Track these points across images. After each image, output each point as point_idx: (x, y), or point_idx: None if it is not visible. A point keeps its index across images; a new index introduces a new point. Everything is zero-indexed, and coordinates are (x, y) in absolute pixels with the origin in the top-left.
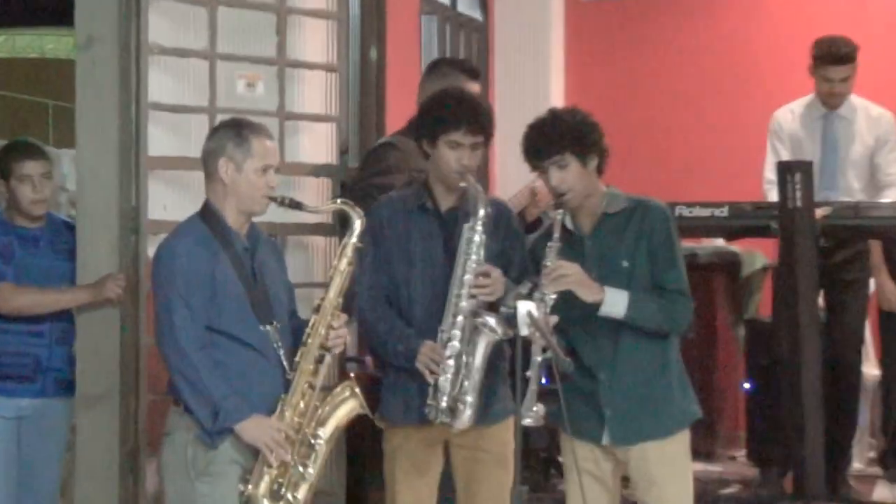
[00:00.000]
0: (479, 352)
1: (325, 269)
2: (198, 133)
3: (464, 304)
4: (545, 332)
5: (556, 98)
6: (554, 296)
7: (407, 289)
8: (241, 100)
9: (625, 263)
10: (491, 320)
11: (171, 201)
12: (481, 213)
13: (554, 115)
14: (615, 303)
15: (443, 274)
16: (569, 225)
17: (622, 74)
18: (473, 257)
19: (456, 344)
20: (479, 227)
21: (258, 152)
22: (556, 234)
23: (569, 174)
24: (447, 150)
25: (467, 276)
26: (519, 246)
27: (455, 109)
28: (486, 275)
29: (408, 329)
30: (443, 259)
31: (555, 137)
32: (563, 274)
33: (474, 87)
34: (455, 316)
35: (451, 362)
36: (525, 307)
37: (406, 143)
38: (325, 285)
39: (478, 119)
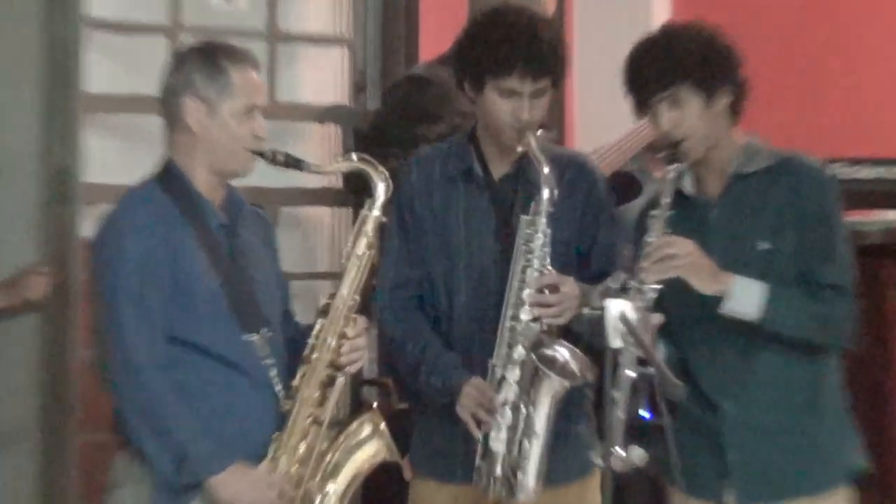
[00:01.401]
0: (541, 404)
1: (332, 253)
2: (154, 62)
3: (522, 329)
4: (645, 341)
5: (660, 16)
6: (656, 286)
7: (447, 290)
8: (216, 15)
9: (763, 245)
10: (561, 353)
11: (116, 158)
12: (545, 195)
13: (668, 33)
14: (746, 297)
15: (498, 270)
16: (686, 188)
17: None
18: (535, 262)
19: (513, 386)
20: (543, 220)
21: (240, 88)
22: (667, 200)
23: (687, 114)
24: (498, 100)
25: (527, 292)
26: (607, 222)
27: (506, 43)
28: (555, 289)
29: (447, 354)
30: (497, 249)
31: (668, 63)
32: (672, 254)
33: None
34: (511, 346)
35: (508, 412)
36: (617, 308)
37: (444, 77)
38: (336, 277)
39: (540, 56)
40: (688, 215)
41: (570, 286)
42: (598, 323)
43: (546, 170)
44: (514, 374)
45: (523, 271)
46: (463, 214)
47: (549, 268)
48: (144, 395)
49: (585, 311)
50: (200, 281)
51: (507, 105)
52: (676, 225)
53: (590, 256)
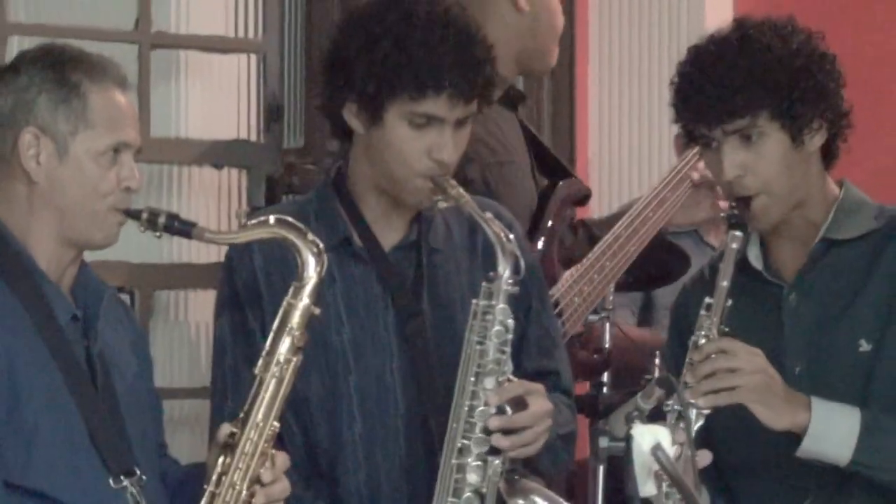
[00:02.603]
0: None
1: None
2: None
3: (473, 470)
4: (688, 488)
5: (717, 10)
6: (706, 411)
7: (328, 421)
8: (61, 6)
9: (864, 346)
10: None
11: None
12: (505, 272)
13: (743, 32)
14: (832, 433)
15: (405, 383)
16: (753, 261)
17: None
18: (492, 367)
19: None
20: (502, 305)
21: (102, 117)
22: (724, 283)
23: (764, 157)
24: (408, 132)
25: (481, 409)
26: (537, 302)
27: (431, 49)
28: (522, 405)
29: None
30: (400, 351)
31: (742, 80)
32: (732, 369)
33: None
34: (458, 494)
35: None
36: (648, 438)
37: None
38: (217, 398)
39: (477, 67)
40: (753, 300)
41: (541, 400)
42: (620, 458)
43: (504, 236)
44: None
45: (476, 382)
46: (345, 307)
47: (512, 376)
48: None
49: (603, 443)
50: (48, 402)
51: (421, 139)
52: (736, 316)
53: (519, 352)
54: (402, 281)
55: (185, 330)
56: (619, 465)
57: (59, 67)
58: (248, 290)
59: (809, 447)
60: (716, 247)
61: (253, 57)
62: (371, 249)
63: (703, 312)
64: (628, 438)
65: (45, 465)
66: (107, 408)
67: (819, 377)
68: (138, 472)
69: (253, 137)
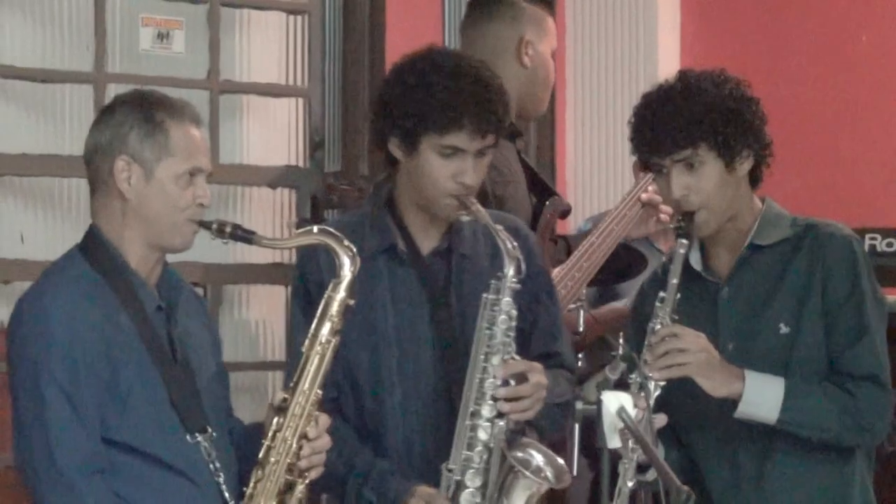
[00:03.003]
0: None
1: (284, 339)
2: (77, 115)
3: (483, 429)
4: (647, 443)
5: (667, 63)
6: (662, 383)
7: (375, 389)
8: (148, 60)
9: (783, 329)
10: (535, 456)
11: (32, 228)
12: (510, 271)
13: (686, 82)
14: (761, 399)
15: (436, 362)
16: (694, 264)
17: (769, 38)
18: (500, 349)
19: (475, 494)
20: (507, 299)
21: (181, 147)
22: (674, 281)
23: (704, 180)
24: (437, 161)
25: (490, 381)
26: (546, 296)
27: (455, 91)
28: (522, 378)
29: (380, 462)
30: (433, 337)
31: (686, 120)
32: (680, 349)
33: (554, 29)
34: (472, 448)
35: None
36: (615, 402)
37: None
38: (290, 367)
39: (491, 107)
40: (695, 294)
41: (538, 375)
42: (592, 419)
43: (510, 244)
44: (475, 481)
45: (486, 360)
46: (390, 299)
47: (514, 354)
48: None
49: (579, 405)
50: (138, 373)
51: (448, 167)
52: (685, 307)
53: (531, 337)
54: (435, 280)
55: (247, 316)
56: (592, 424)
57: (147, 108)
58: (314, 284)
59: (744, 410)
60: (664, 251)
61: (300, 100)
62: (412, 254)
63: (657, 304)
64: (598, 402)
65: (134, 423)
66: (184, 378)
67: (747, 355)
68: (209, 430)
69: (300, 164)
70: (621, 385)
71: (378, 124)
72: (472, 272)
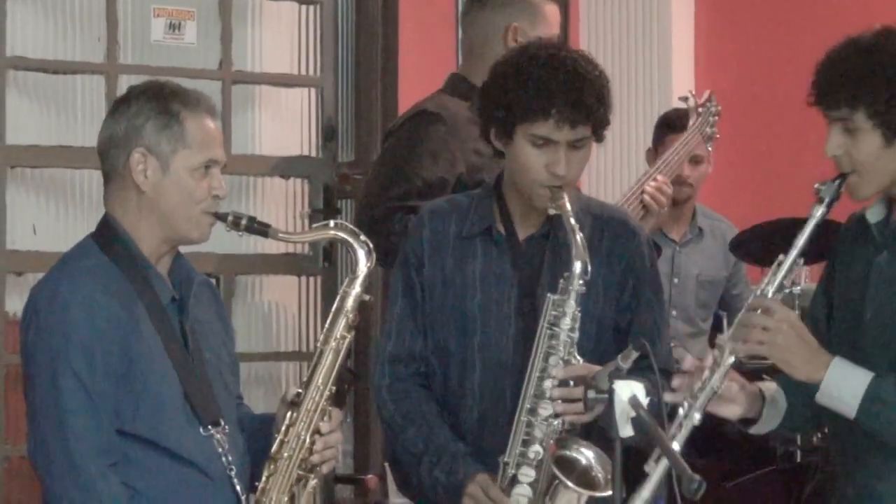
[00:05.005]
0: None
1: (298, 330)
2: (89, 107)
3: (539, 427)
4: (659, 432)
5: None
6: (731, 359)
7: (459, 366)
8: (160, 51)
9: None
10: (585, 455)
11: (45, 220)
12: (577, 270)
13: (875, 38)
14: (839, 394)
15: (517, 348)
16: (872, 216)
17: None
18: (561, 349)
19: (526, 490)
20: (572, 301)
21: (196, 139)
22: (797, 247)
23: (859, 145)
24: (530, 150)
25: (548, 383)
26: (649, 296)
27: (543, 81)
28: (582, 381)
29: (455, 443)
30: (518, 322)
31: (846, 81)
32: (764, 326)
33: (553, 17)
34: (527, 444)
35: None
36: (627, 391)
37: (455, 110)
38: (302, 358)
39: (581, 99)
40: (860, 246)
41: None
42: (603, 408)
43: (579, 240)
44: (528, 476)
45: (545, 359)
46: (480, 279)
47: (577, 356)
48: (89, 496)
49: (591, 394)
50: (154, 365)
51: (541, 157)
52: (845, 256)
53: (627, 337)
54: (527, 265)
55: (260, 307)
56: (605, 413)
57: (163, 99)
58: (415, 256)
59: (821, 399)
60: (677, 240)
61: (313, 90)
62: (509, 237)
63: (774, 266)
64: (610, 391)
65: (149, 416)
66: (198, 371)
67: (881, 329)
68: (223, 423)
69: (313, 154)
70: (637, 371)
71: (483, 117)
72: (567, 260)
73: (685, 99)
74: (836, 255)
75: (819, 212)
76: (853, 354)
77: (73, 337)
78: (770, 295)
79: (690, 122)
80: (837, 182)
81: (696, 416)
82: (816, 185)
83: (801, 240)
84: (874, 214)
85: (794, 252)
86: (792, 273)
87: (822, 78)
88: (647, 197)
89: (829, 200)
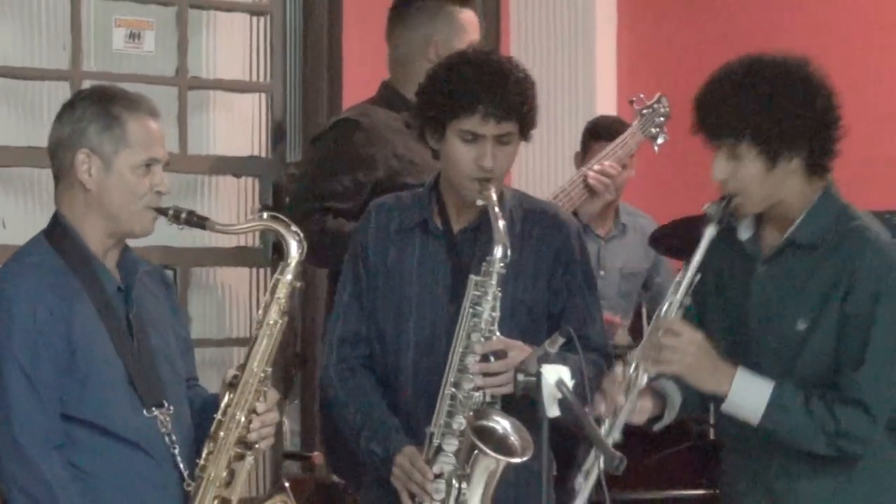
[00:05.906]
0: (477, 480)
1: (248, 317)
2: (54, 111)
3: (462, 399)
4: (582, 412)
5: (604, 78)
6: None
7: (395, 348)
8: (121, 59)
9: (800, 325)
10: (502, 425)
11: (13, 215)
12: (498, 254)
13: (745, 71)
14: (744, 404)
15: (448, 330)
16: (743, 232)
17: (704, 29)
18: (482, 326)
19: (450, 458)
20: (493, 281)
21: (137, 139)
22: (692, 268)
23: (743, 171)
24: (459, 145)
25: (471, 358)
26: (580, 282)
27: (469, 79)
28: (502, 355)
29: (390, 419)
30: (450, 307)
31: (726, 113)
32: (673, 346)
33: (471, 24)
34: (451, 415)
35: (441, 486)
36: (553, 374)
37: (376, 118)
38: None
39: (505, 95)
40: (739, 258)
41: (517, 352)
42: (532, 390)
43: (501, 225)
44: (451, 446)
45: (468, 336)
46: (416, 268)
47: (497, 333)
48: (35, 478)
49: (520, 377)
50: (97, 353)
51: (470, 151)
52: (724, 269)
53: (560, 320)
54: (460, 256)
55: (214, 296)
56: (533, 395)
57: (105, 102)
58: (362, 247)
59: (727, 409)
60: (602, 236)
61: (263, 95)
62: (445, 230)
63: (674, 283)
64: (538, 374)
65: (93, 400)
66: (142, 356)
67: (763, 339)
68: (166, 404)
69: (263, 154)
70: (564, 356)
71: (417, 118)
72: None
73: (632, 102)
74: (708, 270)
75: (711, 231)
76: (745, 361)
77: (17, 330)
78: (674, 314)
79: (634, 123)
80: (724, 203)
81: (617, 435)
82: (705, 207)
83: (697, 258)
84: (744, 231)
85: (690, 270)
86: (690, 289)
87: (704, 110)
88: (591, 180)
89: (718, 219)
